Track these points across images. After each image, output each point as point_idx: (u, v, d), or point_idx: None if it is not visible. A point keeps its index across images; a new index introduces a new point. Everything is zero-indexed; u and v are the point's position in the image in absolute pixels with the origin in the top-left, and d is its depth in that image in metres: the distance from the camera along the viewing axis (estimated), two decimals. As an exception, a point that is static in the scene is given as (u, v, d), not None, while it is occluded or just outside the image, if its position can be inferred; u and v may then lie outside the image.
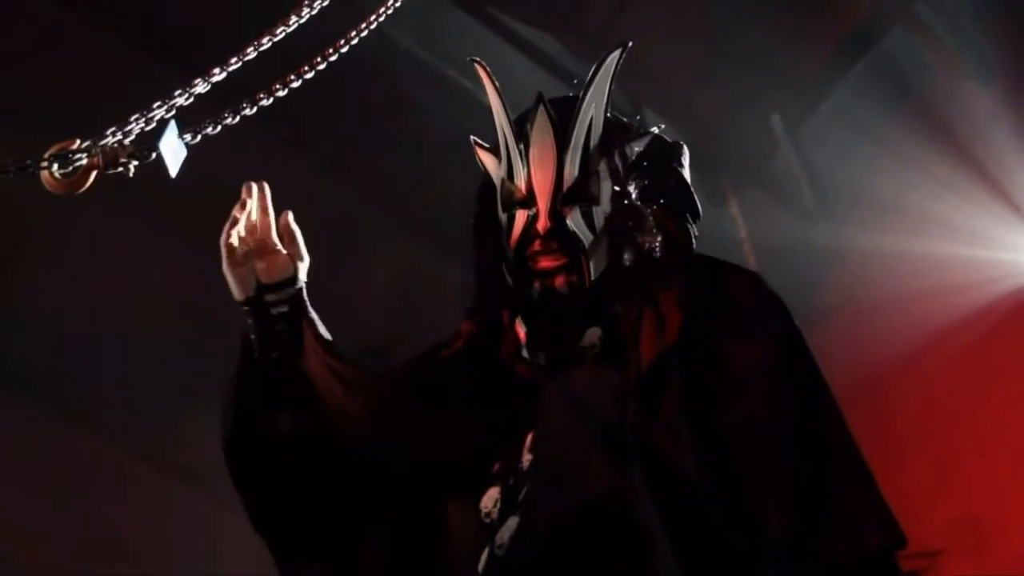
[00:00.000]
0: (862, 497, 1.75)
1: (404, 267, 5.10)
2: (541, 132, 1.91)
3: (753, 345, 1.81)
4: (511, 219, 1.94)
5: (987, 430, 4.80)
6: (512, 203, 1.94)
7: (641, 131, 2.03)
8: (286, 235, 1.91)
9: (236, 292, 1.88)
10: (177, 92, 1.80)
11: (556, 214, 1.89)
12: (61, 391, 4.73)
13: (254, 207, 1.91)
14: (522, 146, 1.92)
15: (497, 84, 1.95)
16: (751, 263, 5.24)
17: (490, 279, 1.96)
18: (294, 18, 1.99)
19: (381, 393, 1.93)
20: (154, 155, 1.68)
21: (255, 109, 1.88)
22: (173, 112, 1.77)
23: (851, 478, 1.76)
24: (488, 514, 1.80)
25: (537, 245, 1.89)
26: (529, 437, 1.83)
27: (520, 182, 1.92)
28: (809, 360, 1.84)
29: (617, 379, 1.80)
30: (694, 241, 1.98)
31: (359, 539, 1.90)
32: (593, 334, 1.90)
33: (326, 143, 4.75)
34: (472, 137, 2.06)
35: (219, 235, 1.92)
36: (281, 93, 1.92)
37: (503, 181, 1.95)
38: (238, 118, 1.82)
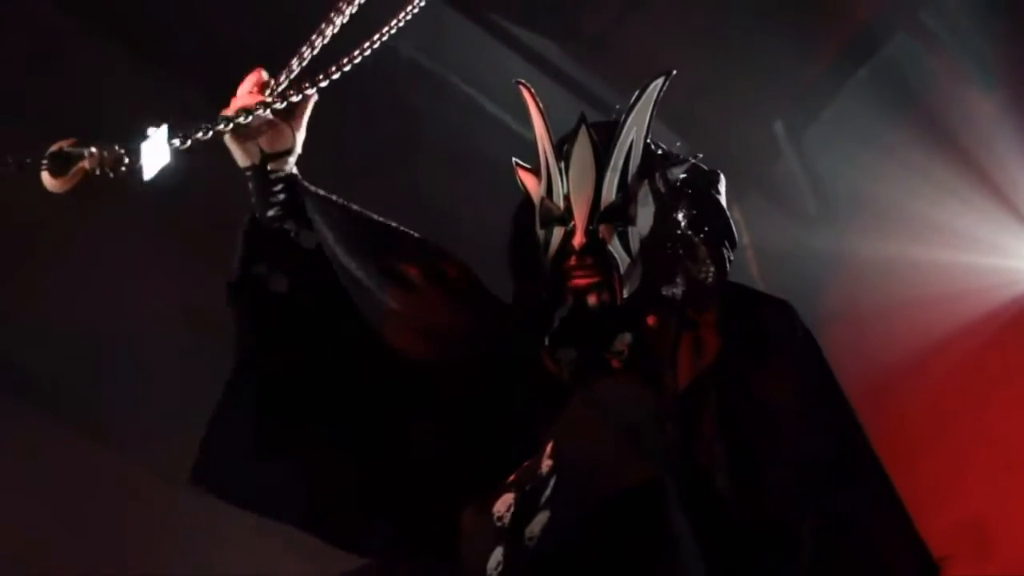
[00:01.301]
0: (895, 528, 1.86)
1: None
2: (582, 152, 1.98)
3: (787, 374, 1.90)
4: (548, 235, 2.01)
5: (991, 436, 4.80)
6: (551, 219, 2.01)
7: (681, 157, 2.09)
8: (299, 111, 1.98)
9: (241, 160, 1.96)
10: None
11: (592, 232, 1.95)
12: (63, 397, 4.73)
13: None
14: (562, 164, 1.99)
15: (541, 105, 2.03)
16: (754, 269, 5.24)
17: (527, 302, 2.04)
18: (318, 36, 2.06)
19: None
20: (132, 158, 1.73)
21: (250, 117, 1.94)
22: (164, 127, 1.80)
23: (884, 508, 1.86)
24: (500, 518, 1.84)
25: (572, 260, 1.96)
26: (549, 446, 1.87)
27: (559, 200, 1.99)
28: (839, 394, 1.94)
29: (648, 393, 1.88)
30: (728, 267, 2.06)
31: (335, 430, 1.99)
32: (623, 340, 1.97)
33: (326, 150, 4.75)
34: (514, 159, 2.13)
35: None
36: (280, 106, 1.99)
37: (542, 199, 2.02)
38: (230, 125, 1.89)
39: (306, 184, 2.05)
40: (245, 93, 1.93)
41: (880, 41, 5.34)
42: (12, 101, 4.54)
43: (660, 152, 2.08)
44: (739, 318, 1.95)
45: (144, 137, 1.75)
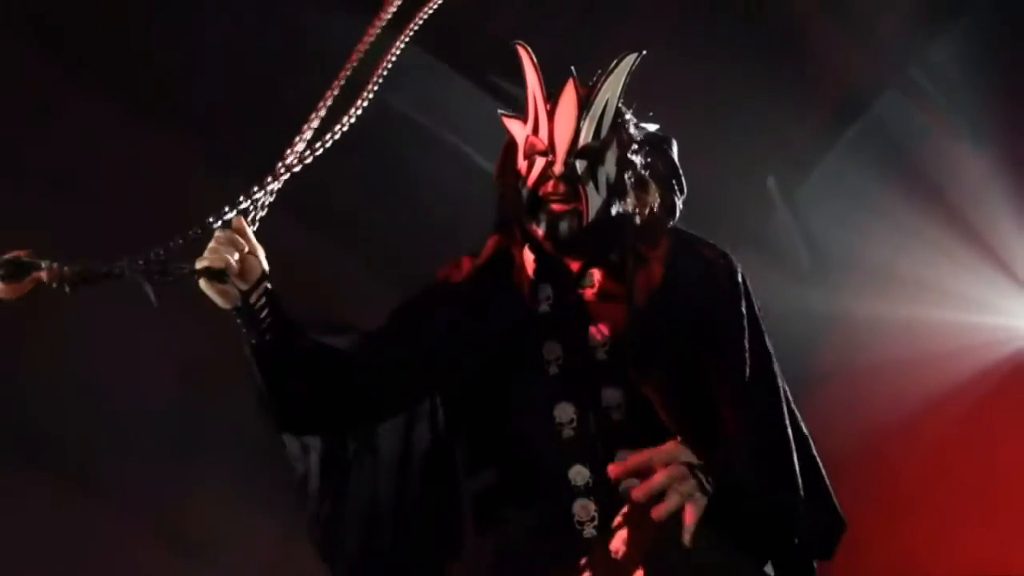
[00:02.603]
0: (813, 477, 2.18)
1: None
2: (567, 98, 2.37)
3: (722, 297, 2.30)
4: (531, 165, 2.38)
5: (987, 493, 4.78)
6: (534, 152, 2.38)
7: (644, 124, 2.50)
8: (243, 237, 2.10)
9: (223, 304, 2.09)
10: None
11: (570, 164, 2.33)
12: (59, 456, 4.69)
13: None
14: (549, 107, 2.38)
15: (535, 60, 2.43)
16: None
17: (510, 206, 2.41)
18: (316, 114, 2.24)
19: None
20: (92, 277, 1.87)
21: (260, 197, 2.11)
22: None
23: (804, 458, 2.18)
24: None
25: (550, 185, 2.32)
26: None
27: (543, 136, 2.37)
28: (759, 327, 2.30)
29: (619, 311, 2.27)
30: (678, 211, 2.44)
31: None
32: (594, 274, 2.34)
33: (321, 207, 4.76)
34: (499, 110, 2.53)
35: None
36: (285, 177, 2.15)
37: (528, 136, 2.40)
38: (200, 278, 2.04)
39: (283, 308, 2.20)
40: (220, 244, 2.05)
41: (871, 98, 5.38)
42: (10, 157, 4.55)
43: (628, 115, 2.48)
44: (684, 253, 2.34)
45: (111, 272, 1.88)
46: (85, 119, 4.78)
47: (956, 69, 5.03)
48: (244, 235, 2.08)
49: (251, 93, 4.90)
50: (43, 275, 1.82)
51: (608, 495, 2.11)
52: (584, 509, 2.12)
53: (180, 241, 1.99)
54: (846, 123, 5.48)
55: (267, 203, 2.15)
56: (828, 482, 2.23)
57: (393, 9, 2.38)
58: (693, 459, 2.07)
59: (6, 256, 1.81)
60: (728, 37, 5.05)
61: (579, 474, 2.14)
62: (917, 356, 5.02)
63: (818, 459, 2.24)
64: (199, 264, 2.01)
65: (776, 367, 2.25)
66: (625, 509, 2.09)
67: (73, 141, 4.71)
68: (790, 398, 2.26)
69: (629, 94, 2.45)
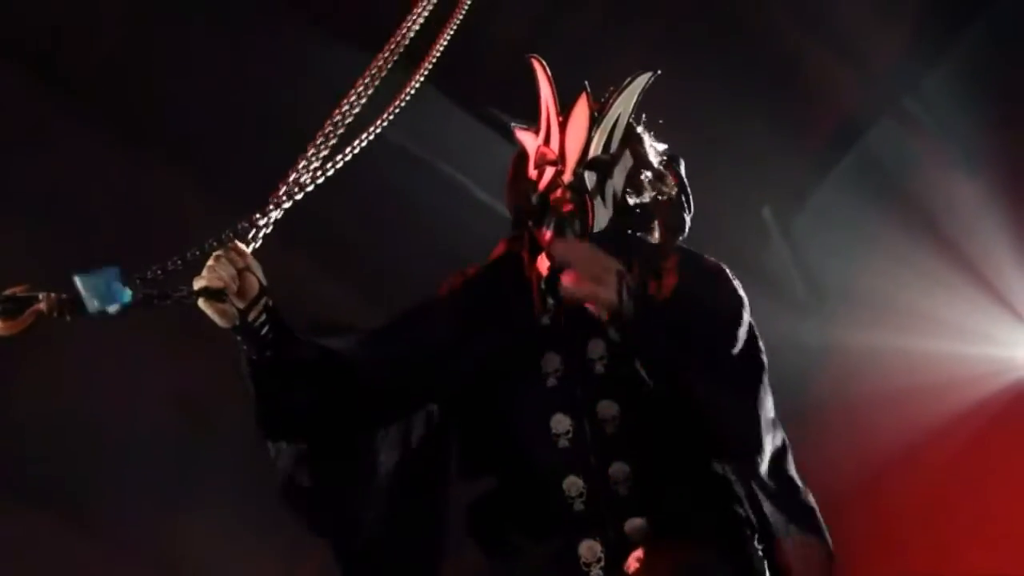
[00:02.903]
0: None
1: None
2: (579, 110, 2.43)
3: (724, 304, 2.33)
4: (542, 173, 2.42)
5: (985, 523, 4.76)
6: (545, 161, 2.42)
7: (654, 142, 2.55)
8: (239, 255, 2.09)
9: (222, 323, 2.06)
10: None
11: (579, 174, 2.38)
12: (56, 489, 4.67)
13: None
14: (561, 119, 2.44)
15: (549, 73, 2.49)
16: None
17: (520, 212, 2.46)
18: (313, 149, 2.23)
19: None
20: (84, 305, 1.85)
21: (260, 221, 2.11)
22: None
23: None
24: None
25: (559, 193, 2.35)
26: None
27: (555, 145, 2.43)
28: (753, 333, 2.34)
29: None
30: (687, 228, 2.50)
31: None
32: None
33: (318, 238, 4.77)
34: (512, 123, 2.58)
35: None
36: (287, 205, 2.15)
37: (539, 145, 2.46)
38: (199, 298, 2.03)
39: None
40: (217, 263, 2.04)
41: (865, 127, 5.40)
42: (3, 184, 4.56)
43: (638, 132, 2.53)
44: (691, 265, 2.38)
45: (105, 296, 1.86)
46: (79, 147, 4.79)
47: (950, 98, 5.04)
48: (240, 253, 2.06)
49: (245, 122, 4.91)
50: (42, 306, 1.82)
51: (614, 534, 2.13)
52: (590, 550, 2.14)
53: (179, 262, 1.98)
54: (841, 152, 5.50)
55: (266, 229, 2.13)
56: (798, 480, 2.27)
57: (393, 46, 2.40)
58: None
59: (3, 293, 1.81)
60: (723, 68, 5.07)
61: (573, 485, 2.16)
62: (914, 387, 5.01)
63: (791, 465, 2.28)
64: (197, 284, 2.00)
65: (766, 378, 2.26)
66: (637, 553, 2.11)
67: (67, 168, 4.71)
68: (776, 421, 2.27)
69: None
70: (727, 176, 5.00)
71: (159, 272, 1.95)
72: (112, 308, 1.85)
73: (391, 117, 2.37)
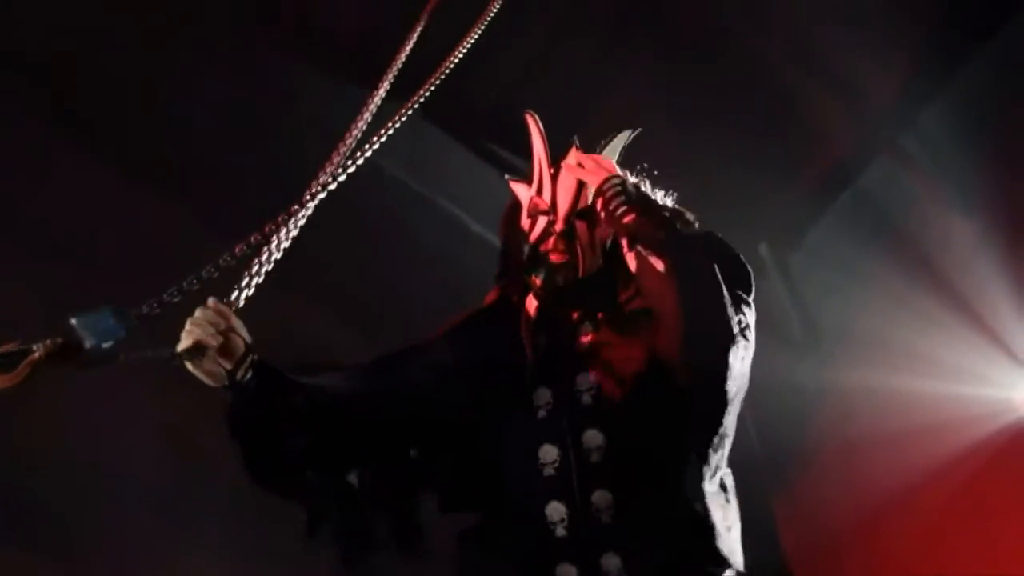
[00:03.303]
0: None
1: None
2: (570, 163, 2.56)
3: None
4: (534, 223, 2.57)
5: (984, 564, 4.73)
6: (538, 211, 2.57)
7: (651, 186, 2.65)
8: (220, 316, 2.13)
9: (212, 383, 2.13)
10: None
11: (570, 223, 2.52)
12: (44, 526, 4.63)
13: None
14: (553, 171, 2.58)
15: (542, 128, 2.63)
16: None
17: (512, 260, 2.57)
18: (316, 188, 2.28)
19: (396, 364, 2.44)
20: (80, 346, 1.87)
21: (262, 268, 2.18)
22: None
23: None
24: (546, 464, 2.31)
25: (551, 242, 2.51)
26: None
27: (547, 196, 2.57)
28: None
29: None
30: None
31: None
32: (591, 322, 2.45)
33: (314, 272, 4.76)
34: (506, 176, 2.71)
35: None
36: (283, 246, 2.22)
37: (532, 197, 2.59)
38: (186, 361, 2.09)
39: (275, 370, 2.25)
40: (197, 325, 2.08)
41: (861, 165, 5.40)
42: (5, 219, 4.55)
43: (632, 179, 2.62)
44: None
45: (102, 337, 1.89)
46: (81, 182, 4.79)
47: (947, 136, 5.05)
48: (223, 314, 2.10)
49: (246, 158, 4.91)
50: (37, 355, 1.84)
51: (590, 565, 2.20)
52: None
53: (175, 294, 2.02)
54: (837, 190, 5.51)
55: (258, 278, 2.18)
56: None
57: (390, 80, 2.46)
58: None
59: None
60: (719, 104, 5.08)
61: (555, 511, 2.25)
62: (911, 427, 4.99)
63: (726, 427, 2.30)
64: (179, 347, 2.05)
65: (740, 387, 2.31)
66: None
67: (68, 204, 4.71)
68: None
69: (628, 162, 2.59)
70: (723, 213, 4.98)
71: (156, 306, 1.98)
72: (107, 344, 1.88)
73: (375, 148, 2.39)
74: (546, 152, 2.62)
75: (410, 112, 2.46)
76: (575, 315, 2.46)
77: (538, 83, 5.12)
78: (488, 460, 2.37)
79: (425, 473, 2.41)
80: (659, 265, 2.31)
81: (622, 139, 2.68)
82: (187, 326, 2.07)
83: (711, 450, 2.26)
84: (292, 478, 2.27)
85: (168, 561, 4.69)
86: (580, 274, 2.49)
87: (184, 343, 2.05)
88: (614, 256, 2.48)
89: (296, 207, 2.20)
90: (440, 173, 5.21)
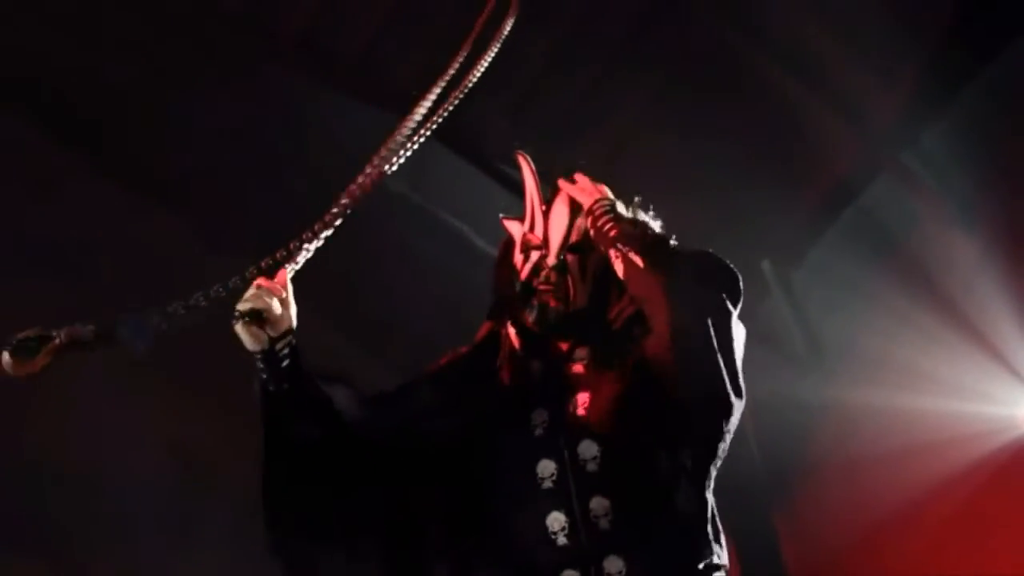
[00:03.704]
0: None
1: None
2: (561, 200, 2.64)
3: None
4: (526, 258, 2.63)
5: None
6: (530, 247, 2.63)
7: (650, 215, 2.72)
8: (284, 288, 2.23)
9: (251, 346, 2.19)
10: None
11: (561, 259, 2.57)
12: (48, 538, 4.64)
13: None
14: (545, 207, 2.65)
15: (533, 168, 2.69)
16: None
17: (504, 293, 2.64)
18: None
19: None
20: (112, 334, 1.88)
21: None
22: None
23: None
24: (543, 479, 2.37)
25: (543, 276, 2.56)
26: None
27: (539, 232, 2.63)
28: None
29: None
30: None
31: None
32: (581, 352, 2.53)
33: (318, 287, 4.77)
34: (500, 214, 2.75)
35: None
36: (299, 265, 2.24)
37: (525, 233, 2.66)
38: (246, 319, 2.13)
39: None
40: (262, 290, 2.17)
41: (864, 183, 5.42)
42: (11, 238, 4.57)
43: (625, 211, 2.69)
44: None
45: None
46: (84, 197, 4.81)
47: (949, 155, 5.07)
48: (284, 285, 2.20)
49: (249, 172, 4.93)
50: (59, 341, 1.82)
51: (590, 552, 2.27)
52: None
53: (202, 299, 2.04)
54: (839, 209, 5.52)
55: (296, 266, 2.24)
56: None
57: (422, 111, 2.51)
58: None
59: (20, 335, 1.81)
60: (722, 124, 5.10)
61: (556, 520, 2.30)
62: (913, 444, 4.99)
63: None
64: (242, 306, 2.12)
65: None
66: None
67: (72, 218, 4.73)
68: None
69: (628, 186, 2.63)
70: (726, 231, 5.01)
71: (182, 309, 2.01)
72: (142, 345, 1.90)
73: (395, 168, 2.49)
74: (538, 190, 2.71)
75: (428, 134, 2.54)
76: (565, 347, 2.54)
77: (543, 100, 5.15)
78: (486, 476, 2.43)
79: (424, 506, 2.46)
80: (638, 261, 2.42)
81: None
82: (252, 290, 2.14)
83: (708, 460, 2.36)
84: (297, 464, 2.32)
85: (170, 571, 4.71)
86: (570, 308, 2.55)
87: (248, 304, 2.12)
88: (606, 280, 2.55)
89: (320, 225, 2.26)
90: (445, 188, 5.22)
